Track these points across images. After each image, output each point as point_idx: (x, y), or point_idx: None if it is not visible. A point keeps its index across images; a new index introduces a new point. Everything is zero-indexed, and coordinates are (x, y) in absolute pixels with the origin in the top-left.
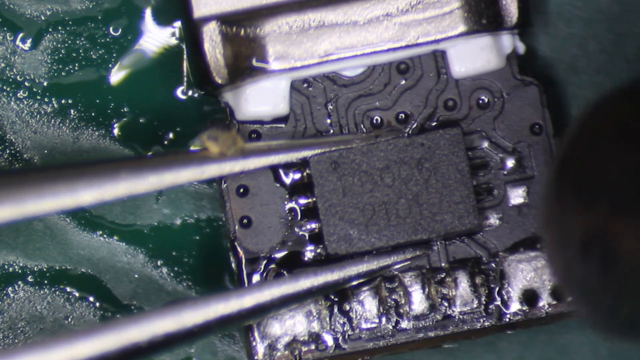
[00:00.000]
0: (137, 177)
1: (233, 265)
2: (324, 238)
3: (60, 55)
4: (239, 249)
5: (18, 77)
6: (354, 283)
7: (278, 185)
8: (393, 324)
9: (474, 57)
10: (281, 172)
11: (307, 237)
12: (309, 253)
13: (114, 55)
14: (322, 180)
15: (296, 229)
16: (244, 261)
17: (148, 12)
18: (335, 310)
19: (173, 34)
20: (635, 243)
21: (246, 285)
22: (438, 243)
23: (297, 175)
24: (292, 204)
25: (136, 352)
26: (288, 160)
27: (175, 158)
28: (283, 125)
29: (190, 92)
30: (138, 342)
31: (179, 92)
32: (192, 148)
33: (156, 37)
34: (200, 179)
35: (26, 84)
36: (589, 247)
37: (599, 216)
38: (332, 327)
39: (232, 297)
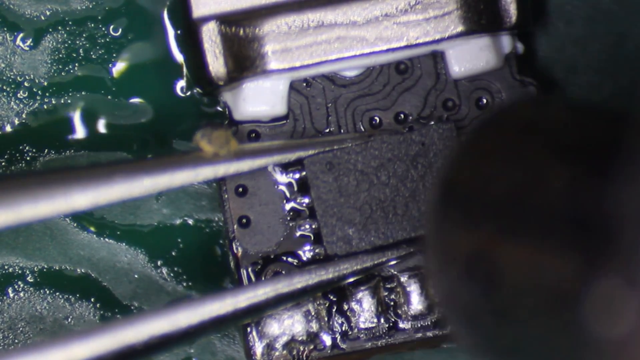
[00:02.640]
0: (132, 180)
1: (232, 265)
2: (323, 239)
3: (60, 55)
4: (237, 248)
5: (18, 77)
6: (349, 280)
7: (277, 185)
8: (391, 324)
9: (473, 57)
10: (279, 171)
11: (306, 237)
12: (307, 253)
13: (114, 55)
14: (317, 182)
15: (295, 229)
16: (242, 261)
17: (148, 12)
18: (334, 310)
19: (173, 34)
20: (518, 264)
21: (244, 284)
22: None
23: (295, 175)
24: (292, 204)
25: (132, 353)
26: (282, 161)
27: (169, 160)
28: (282, 124)
29: (189, 92)
30: (134, 344)
31: (179, 92)
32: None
33: (156, 37)
34: (195, 182)
35: (26, 84)
36: (473, 268)
37: (483, 237)
38: (331, 327)
39: (227, 296)
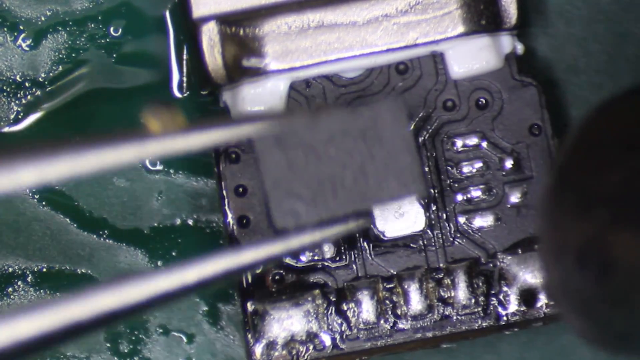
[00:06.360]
0: (78, 156)
1: None
2: (271, 213)
3: (60, 56)
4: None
5: (18, 77)
6: (299, 254)
7: None
8: (391, 324)
9: (473, 57)
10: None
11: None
12: (307, 253)
13: (114, 55)
14: (266, 156)
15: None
16: None
17: (147, 13)
18: (333, 310)
19: (172, 34)
20: (633, 253)
21: (244, 285)
22: (436, 244)
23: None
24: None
25: (78, 329)
26: (232, 137)
27: (115, 137)
28: None
29: (189, 92)
30: (79, 320)
31: (178, 92)
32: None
33: (155, 37)
34: (142, 158)
35: (26, 84)
36: (586, 256)
37: (597, 225)
38: (330, 327)
39: (174, 271)
